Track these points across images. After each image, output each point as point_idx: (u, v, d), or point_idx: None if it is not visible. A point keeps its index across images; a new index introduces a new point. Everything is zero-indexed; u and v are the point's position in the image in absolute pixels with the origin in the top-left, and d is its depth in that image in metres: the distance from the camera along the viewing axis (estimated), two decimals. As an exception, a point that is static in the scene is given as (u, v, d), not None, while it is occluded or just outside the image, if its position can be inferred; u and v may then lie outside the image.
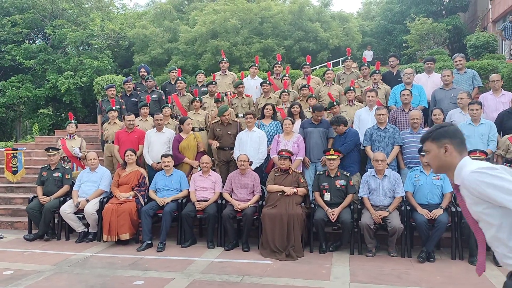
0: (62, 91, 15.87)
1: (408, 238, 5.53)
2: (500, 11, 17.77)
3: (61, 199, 6.73)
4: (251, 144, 6.56)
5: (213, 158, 7.11)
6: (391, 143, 6.19)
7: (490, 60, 11.24)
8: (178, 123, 7.49)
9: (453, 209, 5.48)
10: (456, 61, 7.57)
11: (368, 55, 18.47)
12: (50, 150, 7.01)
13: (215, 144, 6.95)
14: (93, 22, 18.02)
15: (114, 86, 8.55)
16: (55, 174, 6.91)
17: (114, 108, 7.78)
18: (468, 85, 7.33)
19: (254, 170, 6.38)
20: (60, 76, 16.15)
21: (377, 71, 7.71)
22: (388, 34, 22.37)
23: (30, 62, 16.57)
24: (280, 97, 7.71)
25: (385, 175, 5.71)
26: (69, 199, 6.68)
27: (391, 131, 6.22)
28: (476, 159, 5.38)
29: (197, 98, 7.69)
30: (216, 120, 7.13)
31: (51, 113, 19.03)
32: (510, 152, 5.78)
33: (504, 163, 5.87)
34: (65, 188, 6.86)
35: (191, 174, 6.72)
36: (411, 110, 6.47)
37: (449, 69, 7.52)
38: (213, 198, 6.23)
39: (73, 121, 7.92)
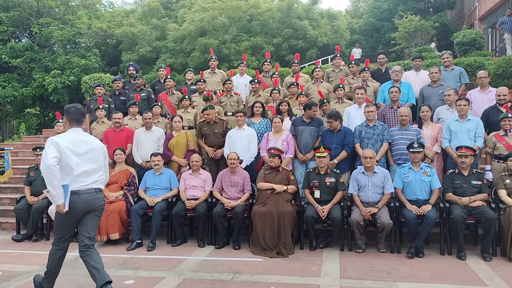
0: (49, 90, 15.67)
1: (397, 234, 5.58)
2: (486, 8, 17.97)
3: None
4: (241, 142, 6.56)
5: (203, 157, 7.09)
6: (380, 140, 6.23)
7: (477, 57, 11.36)
8: (168, 121, 7.47)
9: (441, 205, 5.54)
10: (444, 58, 7.63)
11: (356, 52, 18.55)
12: (38, 150, 6.93)
13: (219, 152, 6.87)
14: (80, 20, 17.80)
15: (102, 85, 8.46)
16: (43, 174, 6.82)
17: (101, 106, 7.70)
18: (456, 82, 7.39)
19: (244, 168, 6.38)
20: (47, 75, 15.95)
21: (366, 69, 7.75)
22: (376, 32, 22.49)
23: (16, 61, 16.34)
24: (270, 95, 7.71)
25: (374, 172, 5.75)
26: (58, 199, 6.60)
27: (380, 128, 6.26)
28: (463, 155, 5.48)
29: (186, 97, 7.66)
30: (203, 120, 7.10)
31: (38, 112, 18.79)
32: (497, 149, 5.85)
33: (493, 159, 5.96)
34: (54, 188, 6.78)
35: (181, 173, 6.69)
36: (399, 107, 6.51)
37: (437, 66, 7.58)
38: (203, 197, 6.21)
39: (61, 120, 7.82)
